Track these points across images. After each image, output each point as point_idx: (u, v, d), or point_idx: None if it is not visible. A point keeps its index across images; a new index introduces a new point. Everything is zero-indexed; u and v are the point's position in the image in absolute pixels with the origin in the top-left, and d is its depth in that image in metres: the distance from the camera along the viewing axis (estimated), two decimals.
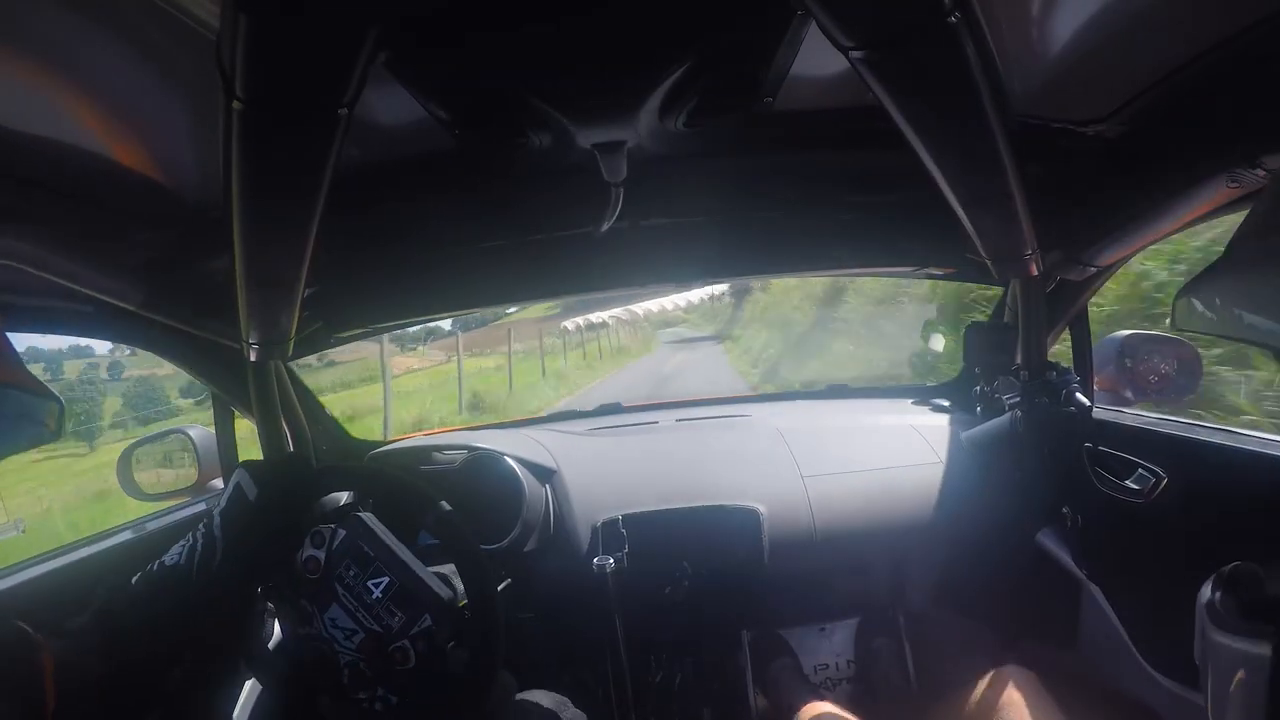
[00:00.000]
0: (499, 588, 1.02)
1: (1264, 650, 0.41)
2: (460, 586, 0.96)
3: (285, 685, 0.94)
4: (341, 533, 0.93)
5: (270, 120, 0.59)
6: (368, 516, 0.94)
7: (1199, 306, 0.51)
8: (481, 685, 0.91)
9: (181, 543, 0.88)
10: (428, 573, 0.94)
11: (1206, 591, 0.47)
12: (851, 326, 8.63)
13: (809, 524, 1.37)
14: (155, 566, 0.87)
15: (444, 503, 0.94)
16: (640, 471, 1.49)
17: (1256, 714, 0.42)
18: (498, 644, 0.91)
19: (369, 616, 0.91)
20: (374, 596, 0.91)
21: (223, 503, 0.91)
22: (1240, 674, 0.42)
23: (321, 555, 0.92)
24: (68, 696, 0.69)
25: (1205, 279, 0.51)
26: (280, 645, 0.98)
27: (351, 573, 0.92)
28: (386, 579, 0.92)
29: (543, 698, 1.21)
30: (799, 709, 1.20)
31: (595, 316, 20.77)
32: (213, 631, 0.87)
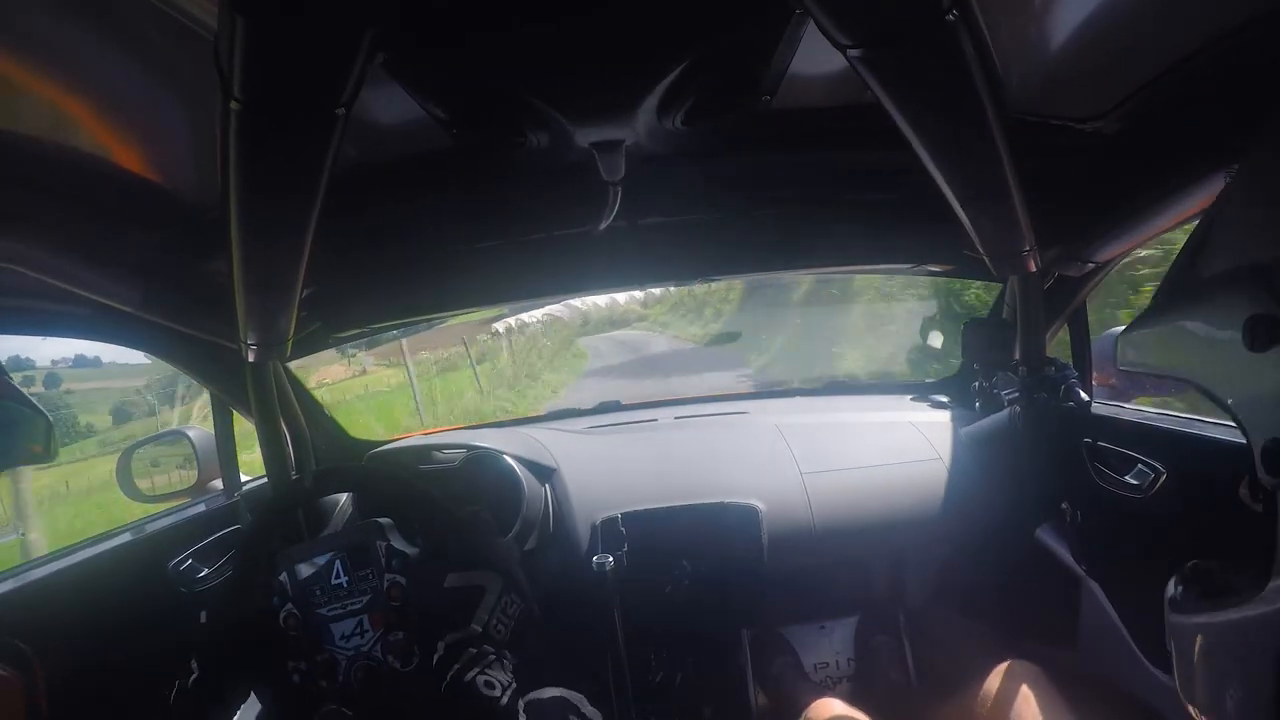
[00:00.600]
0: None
1: (1219, 618, 0.43)
2: (387, 521, 0.99)
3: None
4: (283, 574, 0.95)
5: (268, 120, 0.59)
6: (284, 550, 0.96)
7: (1139, 346, 0.54)
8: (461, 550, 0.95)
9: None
10: (354, 528, 0.98)
11: (1170, 587, 0.50)
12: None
13: (808, 521, 1.37)
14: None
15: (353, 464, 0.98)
16: (640, 469, 1.49)
17: (1217, 669, 0.44)
18: (455, 545, 0.95)
19: (355, 600, 0.94)
20: (343, 581, 0.94)
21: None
22: (1199, 639, 0.45)
23: (291, 606, 0.94)
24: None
25: (1142, 320, 0.53)
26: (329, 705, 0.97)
27: (318, 591, 0.94)
28: (337, 561, 0.94)
29: (554, 694, 1.22)
30: (803, 706, 1.20)
31: (528, 316, 13.17)
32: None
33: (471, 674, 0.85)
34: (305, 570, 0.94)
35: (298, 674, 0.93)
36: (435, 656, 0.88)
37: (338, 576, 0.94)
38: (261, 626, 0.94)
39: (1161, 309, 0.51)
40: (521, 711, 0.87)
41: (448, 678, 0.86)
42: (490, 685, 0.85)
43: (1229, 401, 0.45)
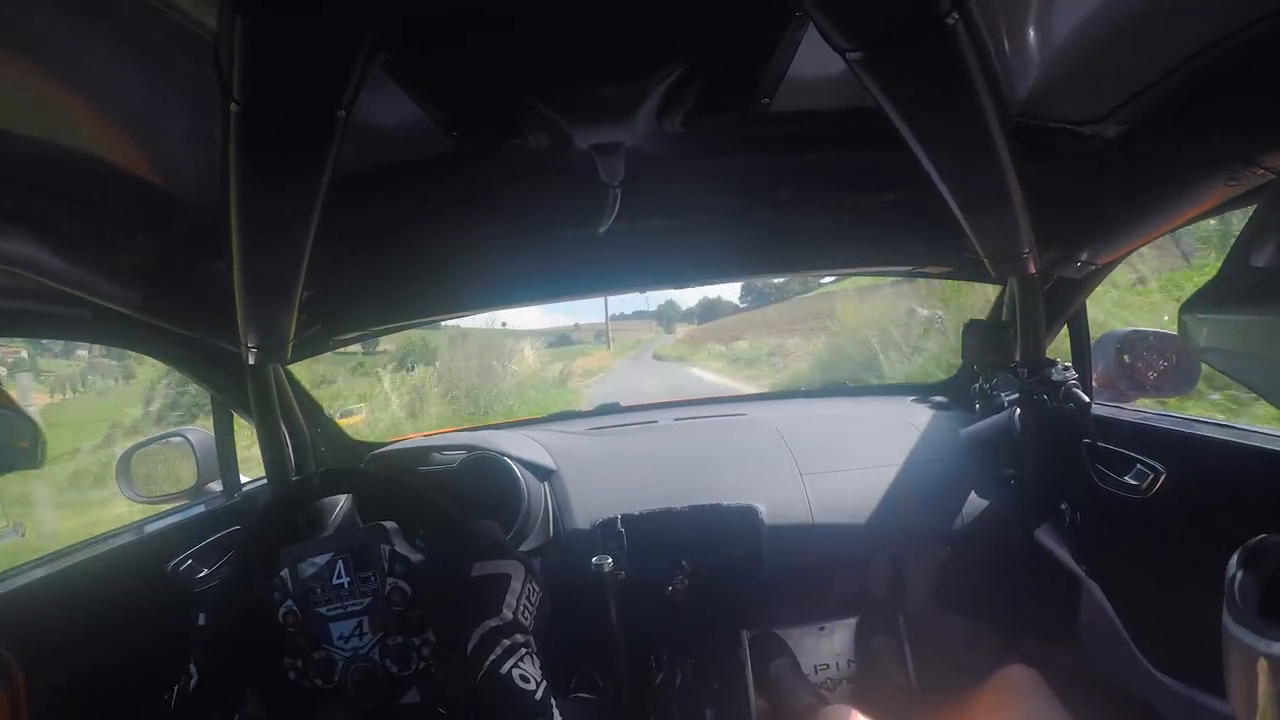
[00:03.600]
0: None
1: None
2: (392, 524, 0.98)
3: None
4: (285, 571, 0.94)
5: (268, 122, 0.59)
6: (289, 546, 0.95)
7: (1206, 329, 0.49)
8: (468, 547, 0.94)
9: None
10: (358, 530, 0.97)
11: (1232, 566, 0.44)
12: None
13: (808, 522, 1.37)
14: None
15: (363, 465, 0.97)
16: (639, 471, 1.49)
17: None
18: (465, 546, 0.94)
19: (356, 601, 0.93)
20: (345, 581, 0.93)
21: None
22: (1263, 682, 0.39)
23: (291, 604, 0.93)
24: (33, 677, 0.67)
25: (1209, 295, 0.48)
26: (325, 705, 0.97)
27: (318, 590, 0.93)
28: (340, 561, 0.93)
29: (576, 696, 1.22)
30: (803, 708, 1.20)
31: None
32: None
33: (506, 666, 0.83)
34: (307, 569, 0.94)
35: (294, 671, 0.93)
36: (468, 648, 0.85)
37: (339, 577, 0.93)
38: (260, 622, 0.93)
39: (1224, 295, 0.46)
40: (555, 709, 0.85)
41: (483, 670, 0.83)
42: (525, 679, 0.83)
43: None
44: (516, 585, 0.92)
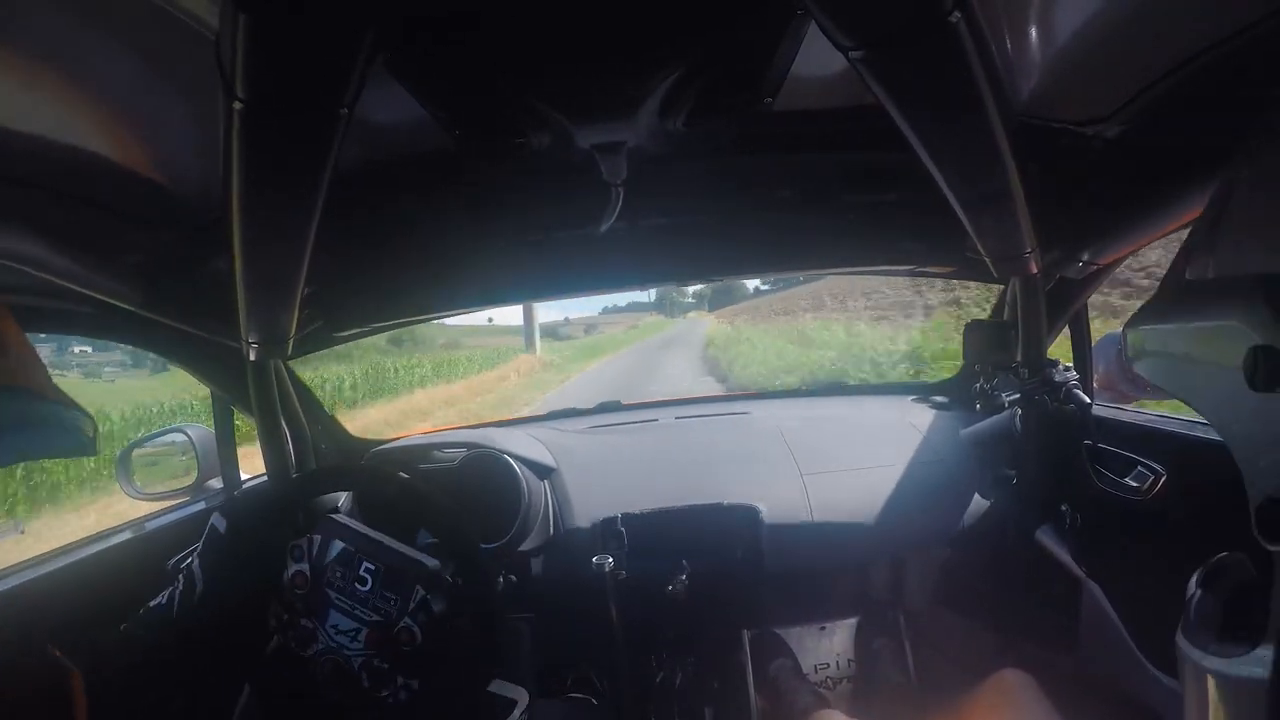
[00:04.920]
0: (499, 579, 1.02)
1: (1232, 670, 0.38)
2: (443, 555, 0.98)
3: (313, 713, 0.95)
4: (318, 539, 0.93)
5: (271, 120, 0.59)
6: (340, 516, 0.95)
7: (1142, 348, 0.49)
8: (489, 646, 0.93)
9: (170, 588, 0.91)
10: (409, 549, 0.96)
11: (1192, 585, 0.44)
12: None
13: (808, 522, 1.37)
14: (142, 610, 0.90)
15: (402, 473, 0.98)
16: (639, 470, 1.49)
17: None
18: (492, 598, 0.94)
19: (367, 610, 0.92)
20: (366, 588, 0.93)
21: (200, 545, 0.94)
22: (1210, 684, 0.39)
23: (306, 568, 0.93)
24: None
25: (1145, 315, 0.48)
26: (292, 673, 0.97)
27: (339, 574, 0.93)
28: (372, 568, 0.93)
29: (556, 709, 1.23)
30: (802, 709, 1.20)
31: None
32: (207, 666, 0.90)
33: None
34: (337, 547, 0.93)
35: (276, 620, 0.93)
36: None
37: (364, 579, 0.93)
38: (267, 566, 0.93)
39: (1163, 309, 0.47)
40: None
41: None
42: None
43: (1227, 439, 0.40)
44: (515, 714, 0.96)
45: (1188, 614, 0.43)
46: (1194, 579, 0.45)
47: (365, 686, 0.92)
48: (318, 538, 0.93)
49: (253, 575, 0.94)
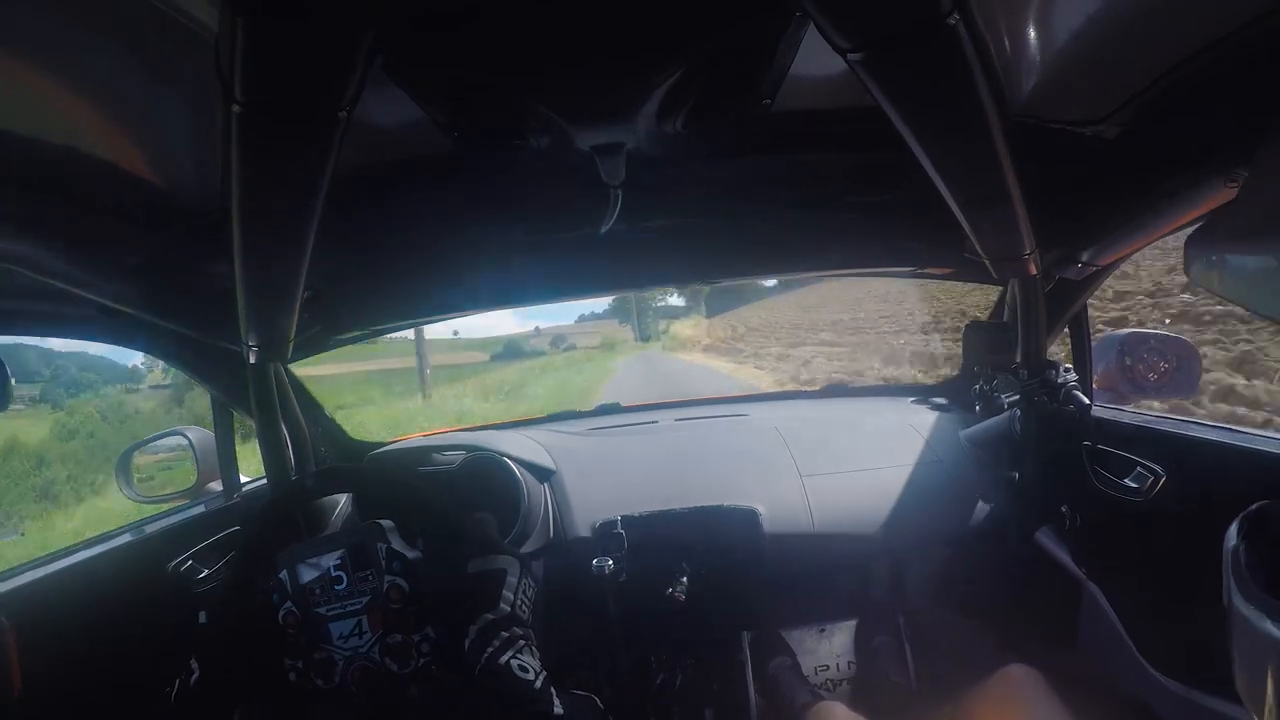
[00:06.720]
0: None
1: None
2: (389, 522, 0.98)
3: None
4: (283, 573, 0.94)
5: (270, 123, 0.59)
6: (285, 549, 0.95)
7: (1209, 261, 0.48)
8: (457, 535, 0.94)
9: (169, 688, 0.90)
10: (355, 529, 0.96)
11: (1232, 536, 0.42)
12: None
13: (808, 524, 1.37)
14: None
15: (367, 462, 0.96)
16: (639, 472, 1.49)
17: None
18: (461, 541, 0.95)
19: (354, 600, 0.93)
20: (344, 585, 0.93)
21: (190, 640, 0.93)
22: (1271, 667, 0.37)
23: (289, 603, 0.93)
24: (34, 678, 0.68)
25: (1214, 226, 0.48)
26: (331, 707, 0.97)
27: (317, 590, 0.93)
28: (337, 560, 0.93)
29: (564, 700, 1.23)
30: (802, 708, 1.20)
31: None
32: None
33: (505, 657, 0.85)
34: (305, 569, 0.94)
35: (294, 672, 0.93)
36: (467, 641, 0.87)
37: (337, 576, 0.94)
38: (260, 624, 0.93)
39: (1235, 224, 0.46)
40: (554, 698, 0.86)
41: (482, 661, 0.85)
42: (524, 669, 0.85)
43: None
44: (513, 580, 0.94)
45: (1234, 566, 0.42)
46: (1232, 529, 0.43)
47: (395, 670, 0.92)
48: (283, 574, 0.94)
49: (247, 651, 0.94)
